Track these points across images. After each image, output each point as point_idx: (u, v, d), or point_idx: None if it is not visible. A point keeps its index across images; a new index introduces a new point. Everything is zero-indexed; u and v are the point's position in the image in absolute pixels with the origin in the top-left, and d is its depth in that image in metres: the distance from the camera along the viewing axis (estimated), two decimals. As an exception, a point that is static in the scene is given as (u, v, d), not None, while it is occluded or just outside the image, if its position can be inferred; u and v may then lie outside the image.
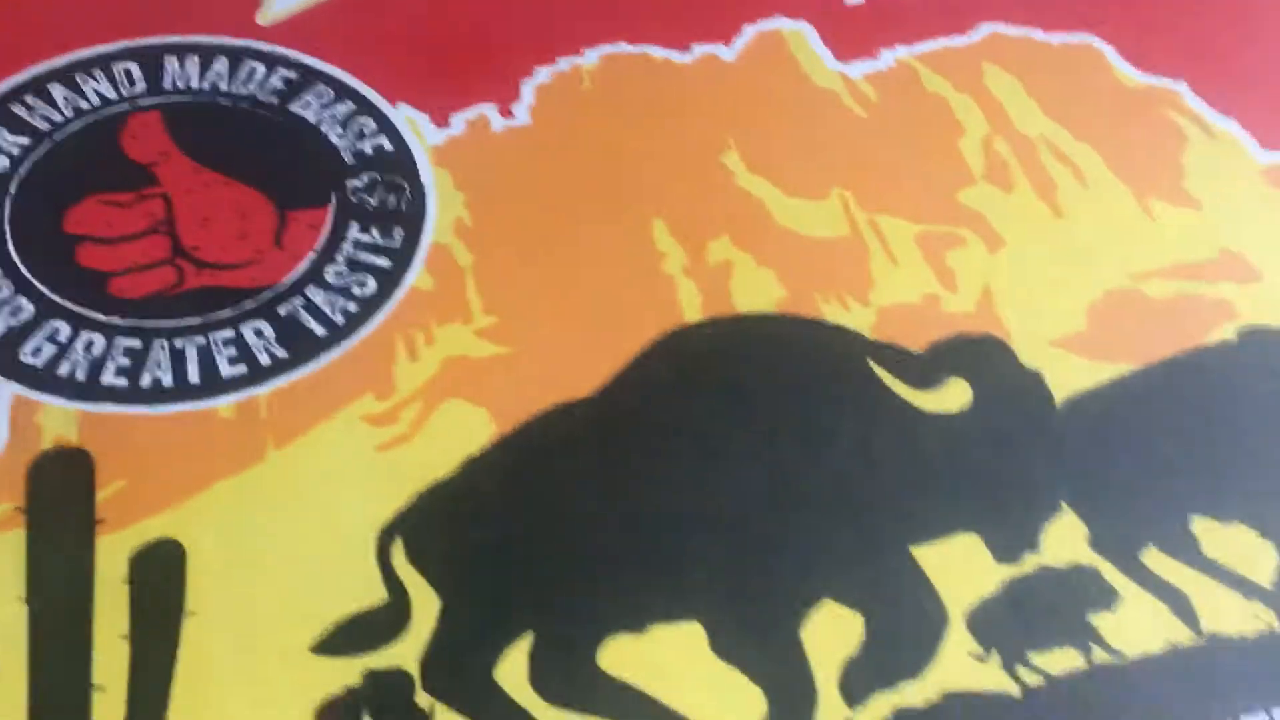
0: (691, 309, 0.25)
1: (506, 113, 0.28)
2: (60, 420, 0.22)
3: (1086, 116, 0.28)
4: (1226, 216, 0.27)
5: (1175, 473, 0.23)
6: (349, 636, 0.20)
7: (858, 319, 0.25)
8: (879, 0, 0.30)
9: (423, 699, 0.20)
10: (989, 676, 0.21)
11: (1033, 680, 0.21)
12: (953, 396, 0.24)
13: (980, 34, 0.30)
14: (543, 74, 0.29)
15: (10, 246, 0.24)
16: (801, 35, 0.30)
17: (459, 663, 0.20)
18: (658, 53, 0.29)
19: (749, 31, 0.30)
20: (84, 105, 0.27)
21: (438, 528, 0.21)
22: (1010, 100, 0.29)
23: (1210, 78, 0.29)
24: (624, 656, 0.20)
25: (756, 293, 0.25)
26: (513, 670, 0.20)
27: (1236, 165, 0.28)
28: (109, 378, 0.23)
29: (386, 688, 0.20)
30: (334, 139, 0.27)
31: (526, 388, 0.23)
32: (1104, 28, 0.30)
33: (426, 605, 0.21)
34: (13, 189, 0.25)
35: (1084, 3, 0.31)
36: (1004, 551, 0.22)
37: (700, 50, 0.29)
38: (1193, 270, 0.26)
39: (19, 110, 0.26)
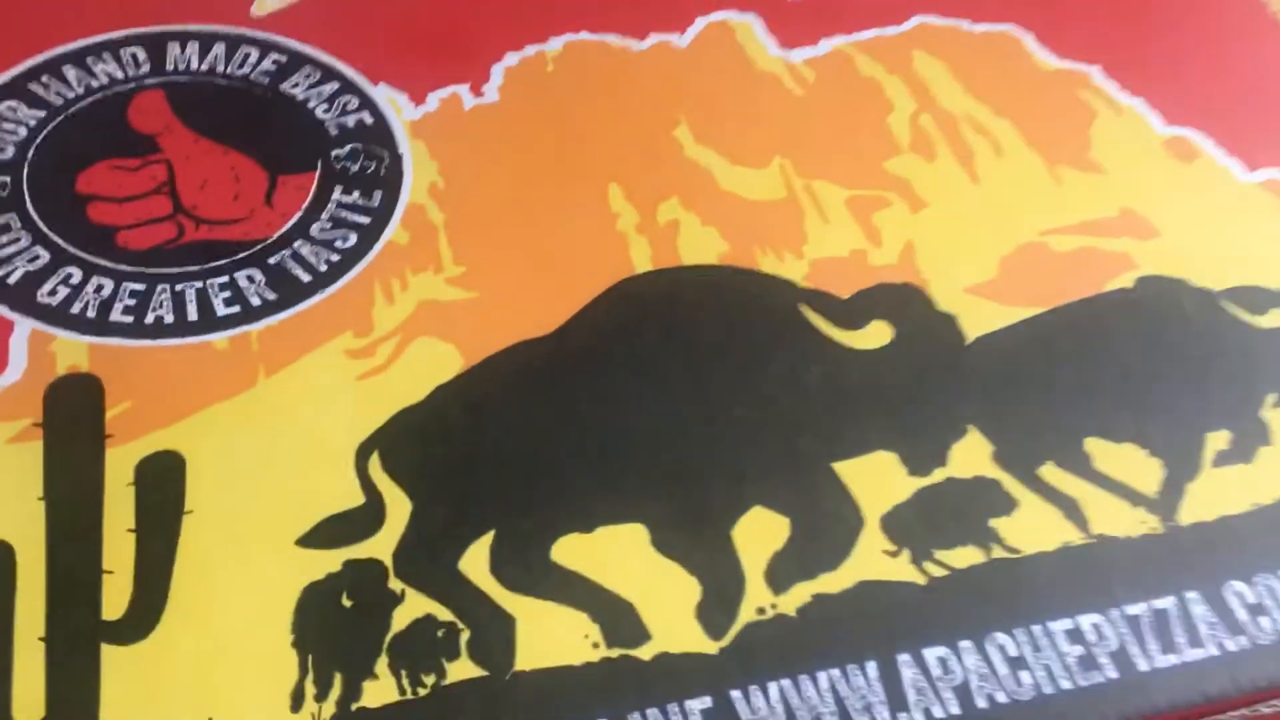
0: (642, 261, 0.27)
1: (477, 92, 0.31)
2: (73, 351, 0.25)
3: (1005, 96, 0.31)
4: (1128, 181, 0.30)
5: (1073, 400, 0.26)
6: (330, 532, 0.23)
7: (792, 270, 0.28)
8: (819, -6, 0.33)
9: (395, 584, 0.22)
10: (899, 569, 0.23)
11: (937, 572, 0.23)
12: (875, 335, 0.27)
13: (911, 24, 0.33)
14: (511, 58, 0.31)
15: (29, 204, 0.27)
16: (748, 26, 0.33)
17: (427, 554, 0.22)
18: (616, 40, 0.32)
19: (700, 22, 0.33)
20: (94, 84, 0.29)
21: (409, 443, 0.24)
22: (936, 82, 0.32)
23: (1120, 63, 0.32)
24: (575, 552, 0.23)
25: (701, 248, 0.28)
26: (475, 563, 0.23)
27: (1140, 137, 0.31)
28: (116, 315, 0.25)
29: (363, 574, 0.22)
30: (320, 114, 0.30)
31: (491, 327, 0.26)
32: (1024, 19, 0.33)
33: (398, 508, 0.23)
34: (30, 155, 0.28)
35: (1006, -3, 0.34)
36: (916, 465, 0.25)
37: (655, 38, 0.32)
38: (1096, 227, 0.29)
39: (36, 88, 0.29)
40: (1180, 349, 0.27)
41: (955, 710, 0.21)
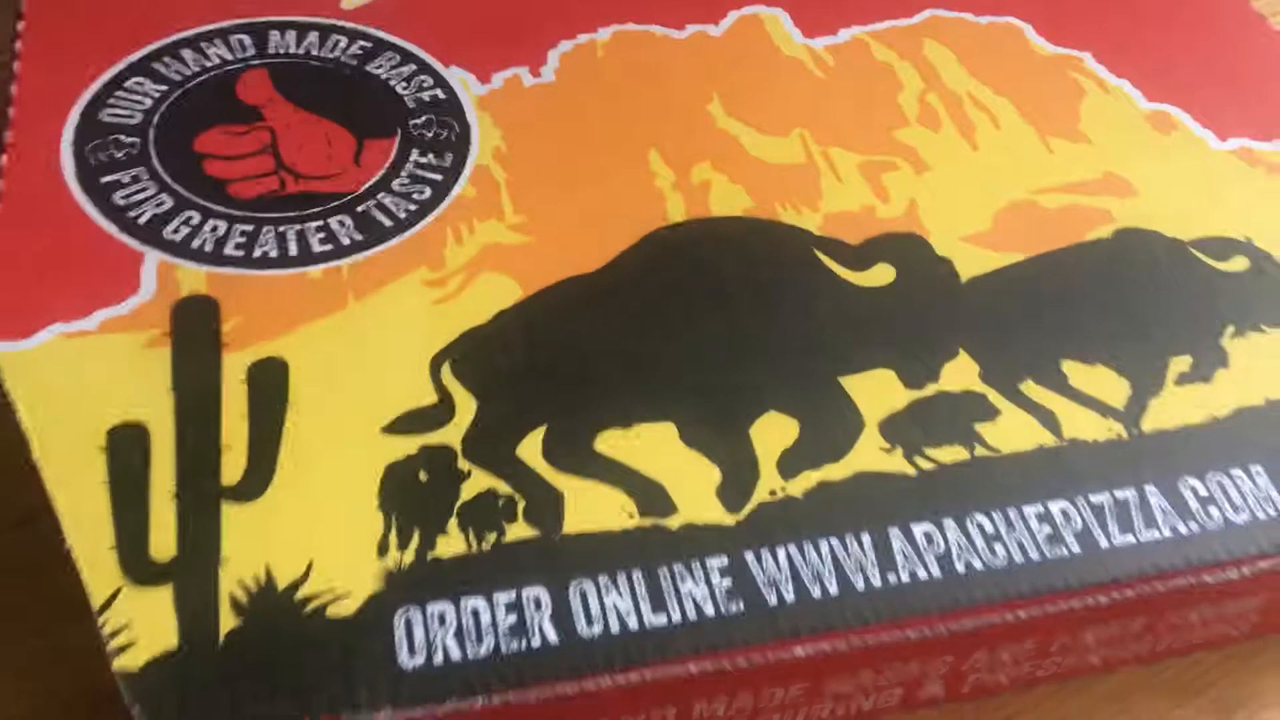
0: (677, 213, 0.31)
1: (536, 73, 0.35)
2: (193, 278, 0.29)
3: (1005, 77, 0.35)
4: (1112, 148, 0.33)
5: (1052, 329, 0.29)
6: (409, 423, 0.27)
7: (808, 221, 0.31)
8: (840, -10, 0.38)
9: (463, 465, 0.26)
10: (893, 462, 0.27)
11: (926, 465, 0.27)
12: (879, 275, 0.30)
13: (922, 16, 0.37)
14: (565, 45, 0.36)
15: (155, 160, 0.31)
16: (776, 18, 0.37)
17: (490, 441, 0.26)
18: (658, 30, 0.36)
19: (733, 15, 0.37)
20: (208, 64, 0.34)
21: (476, 354, 0.28)
22: (943, 66, 0.36)
23: (1109, 49, 0.36)
24: (614, 444, 0.27)
25: (729, 202, 0.32)
26: (530, 451, 0.27)
27: (1124, 112, 0.34)
28: (229, 250, 0.30)
29: (436, 456, 0.26)
30: (400, 91, 0.34)
31: (545, 265, 0.30)
32: (1024, 12, 0.37)
33: (466, 407, 0.27)
34: (155, 120, 0.32)
35: (1008, -9, 0.38)
36: (911, 380, 0.28)
37: (693, 29, 0.36)
38: (1081, 187, 0.32)
39: (159, 66, 0.34)
40: (1151, 288, 0.30)
41: (937, 573, 0.25)
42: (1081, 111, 0.34)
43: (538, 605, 0.24)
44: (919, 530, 0.26)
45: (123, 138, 0.32)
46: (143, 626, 0.23)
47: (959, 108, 0.34)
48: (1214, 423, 0.28)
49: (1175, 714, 0.29)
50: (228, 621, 0.23)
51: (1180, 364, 0.29)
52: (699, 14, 0.37)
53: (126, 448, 0.26)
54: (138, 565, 0.24)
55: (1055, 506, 0.26)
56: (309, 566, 0.24)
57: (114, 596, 0.23)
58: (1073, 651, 0.28)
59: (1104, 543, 0.26)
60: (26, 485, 0.25)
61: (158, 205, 0.30)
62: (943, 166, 0.33)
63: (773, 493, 0.26)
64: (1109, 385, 0.28)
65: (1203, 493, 0.27)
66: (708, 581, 0.25)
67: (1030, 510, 0.26)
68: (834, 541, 0.25)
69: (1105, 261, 0.31)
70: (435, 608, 0.24)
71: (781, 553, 0.25)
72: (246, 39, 0.35)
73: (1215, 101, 0.34)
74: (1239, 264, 0.31)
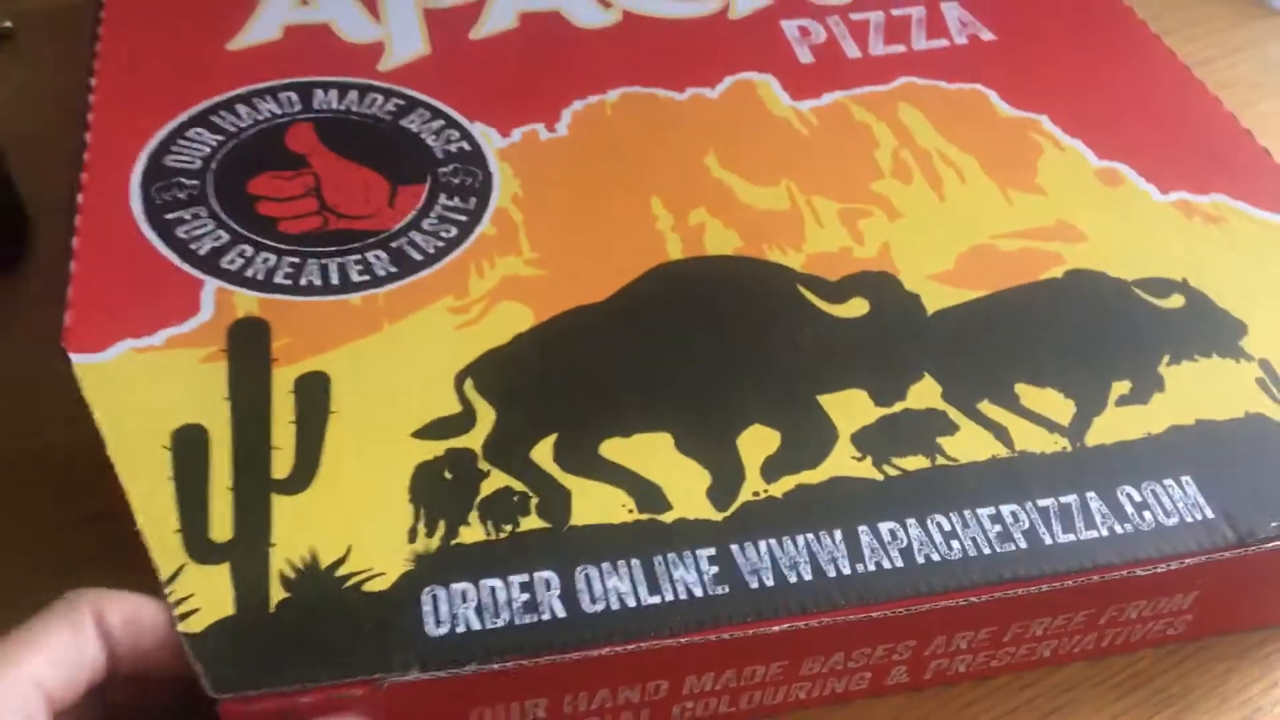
0: (675, 252, 0.35)
1: (551, 129, 0.39)
2: (247, 302, 0.33)
3: (970, 137, 0.39)
4: (1064, 200, 0.37)
5: (1008, 356, 0.33)
6: (436, 429, 0.30)
7: (792, 260, 0.35)
8: (824, 60, 0.42)
9: (483, 466, 0.30)
10: (862, 469, 0.30)
11: (892, 472, 0.30)
12: (855, 307, 0.34)
13: (898, 83, 0.41)
14: (578, 104, 0.40)
15: (213, 200, 0.35)
16: (767, 83, 0.41)
17: (507, 445, 0.30)
18: (661, 93, 0.40)
19: (728, 80, 0.41)
20: (260, 117, 0.38)
21: (495, 371, 0.32)
22: (915, 126, 0.40)
23: (1064, 113, 0.40)
24: (617, 450, 0.30)
25: (722, 243, 0.36)
26: (542, 454, 0.30)
27: (1077, 168, 0.38)
28: (278, 279, 0.33)
29: (459, 458, 0.30)
30: (430, 142, 0.38)
31: (557, 296, 0.34)
32: (989, 80, 0.41)
33: (486, 417, 0.31)
34: (213, 166, 0.37)
35: (976, 63, 0.42)
36: (881, 399, 0.32)
37: (692, 91, 0.41)
38: (1035, 233, 0.36)
39: (216, 119, 0.38)
40: (1096, 321, 0.34)
41: (900, 564, 0.28)
42: (1039, 167, 0.38)
43: (548, 586, 0.28)
44: (884, 527, 0.29)
45: (184, 180, 0.36)
46: (204, 597, 0.27)
47: (929, 163, 0.38)
48: (1149, 439, 0.31)
49: (1118, 705, 0.32)
50: (277, 593, 0.27)
51: (1121, 387, 0.32)
52: (697, 78, 0.41)
53: (188, 447, 0.29)
54: (199, 545, 0.27)
55: (1006, 509, 0.30)
56: (348, 549, 0.28)
57: (179, 571, 0.27)
58: (1024, 642, 0.31)
59: (1048, 539, 0.29)
60: (95, 488, 0.29)
61: (215, 239, 0.34)
62: (913, 214, 0.37)
63: (756, 494, 0.30)
64: (1056, 405, 0.32)
65: (1138, 499, 0.30)
66: (697, 568, 0.28)
67: (983, 512, 0.29)
68: (809, 536, 0.29)
69: (1056, 298, 0.35)
70: (458, 586, 0.27)
71: (763, 545, 0.28)
72: (294, 95, 0.39)
73: (1158, 159, 0.38)
74: (1176, 301, 0.34)
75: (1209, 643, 0.34)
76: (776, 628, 0.27)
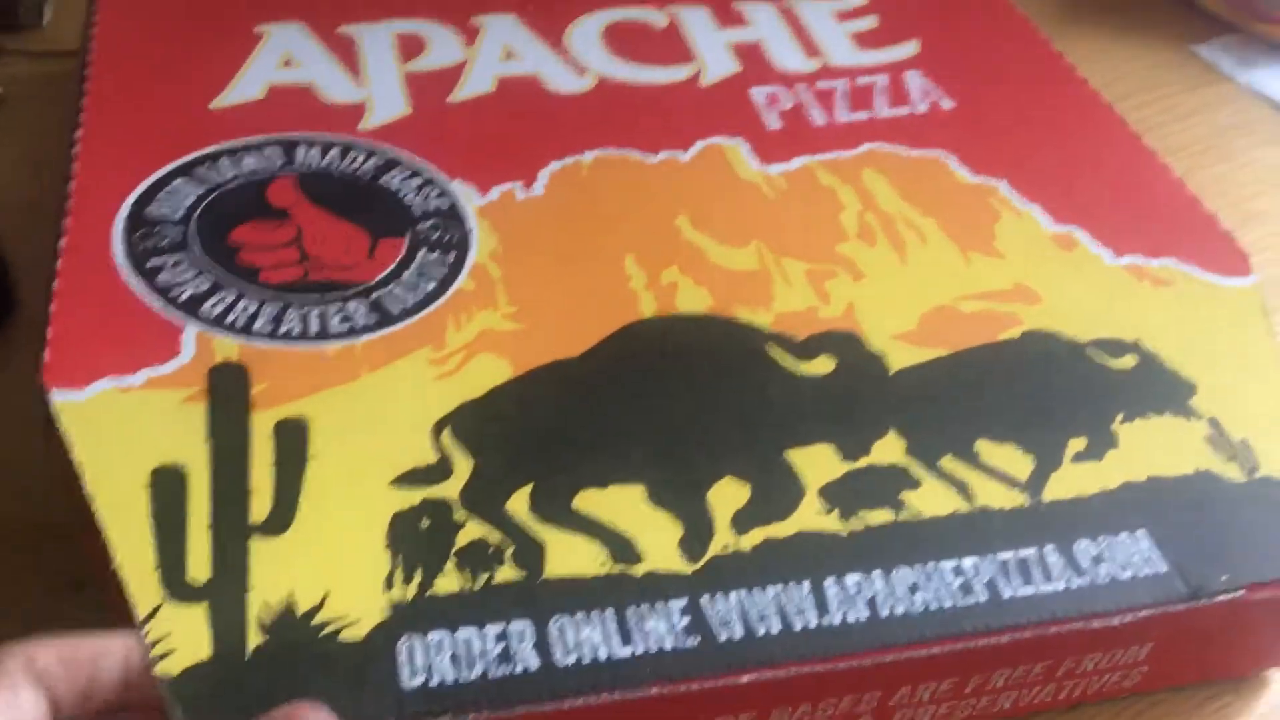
0: (649, 309, 0.36)
1: (528, 188, 0.40)
2: (227, 348, 0.33)
3: (931, 201, 0.41)
4: (1022, 263, 0.39)
5: (968, 413, 0.34)
6: (413, 477, 0.31)
7: (761, 319, 0.36)
8: (792, 126, 0.43)
9: (459, 516, 0.30)
10: (829, 523, 0.31)
11: (858, 526, 0.31)
12: (821, 365, 0.35)
13: (862, 149, 0.43)
14: (554, 165, 0.41)
15: (196, 248, 0.36)
16: (736, 148, 0.42)
17: (483, 495, 0.31)
18: (635, 155, 0.42)
19: (699, 144, 0.42)
20: (242, 171, 0.39)
21: (472, 421, 0.32)
22: (879, 191, 0.41)
23: (1021, 180, 0.41)
24: (592, 501, 0.31)
25: (694, 301, 0.37)
26: (518, 504, 0.31)
27: (1033, 232, 0.40)
28: (259, 326, 0.34)
29: (436, 508, 0.30)
30: (409, 199, 0.39)
31: (534, 350, 0.35)
32: (950, 146, 0.43)
33: (463, 466, 0.31)
34: (195, 215, 0.37)
35: (937, 131, 0.43)
36: (847, 454, 0.33)
37: (664, 154, 0.42)
38: (994, 295, 0.38)
39: (200, 171, 0.39)
40: (1053, 381, 0.35)
41: (865, 615, 0.29)
42: (996, 232, 0.40)
43: (521, 637, 0.28)
44: (850, 580, 0.30)
45: (166, 228, 0.37)
46: (181, 638, 0.27)
47: (892, 226, 0.40)
48: (1104, 493, 0.32)
49: (1075, 758, 0.33)
50: (255, 639, 0.27)
51: (1077, 444, 0.34)
52: (670, 142, 0.42)
53: (168, 486, 0.30)
54: (177, 585, 0.28)
55: (967, 561, 0.30)
56: (325, 596, 0.28)
57: (156, 610, 0.27)
58: (985, 693, 0.32)
59: (1008, 592, 0.30)
60: (80, 554, 0.29)
61: (196, 286, 0.35)
62: (877, 275, 0.38)
63: (726, 546, 0.30)
64: (1015, 461, 0.33)
65: (1094, 553, 0.31)
66: (669, 620, 0.29)
67: (946, 564, 0.30)
68: (778, 588, 0.29)
69: (1014, 358, 0.36)
70: (434, 636, 0.28)
71: (733, 596, 0.29)
72: (277, 152, 0.40)
73: (1112, 225, 0.40)
74: (1129, 361, 0.36)
75: (1162, 697, 0.35)
76: (745, 679, 0.28)
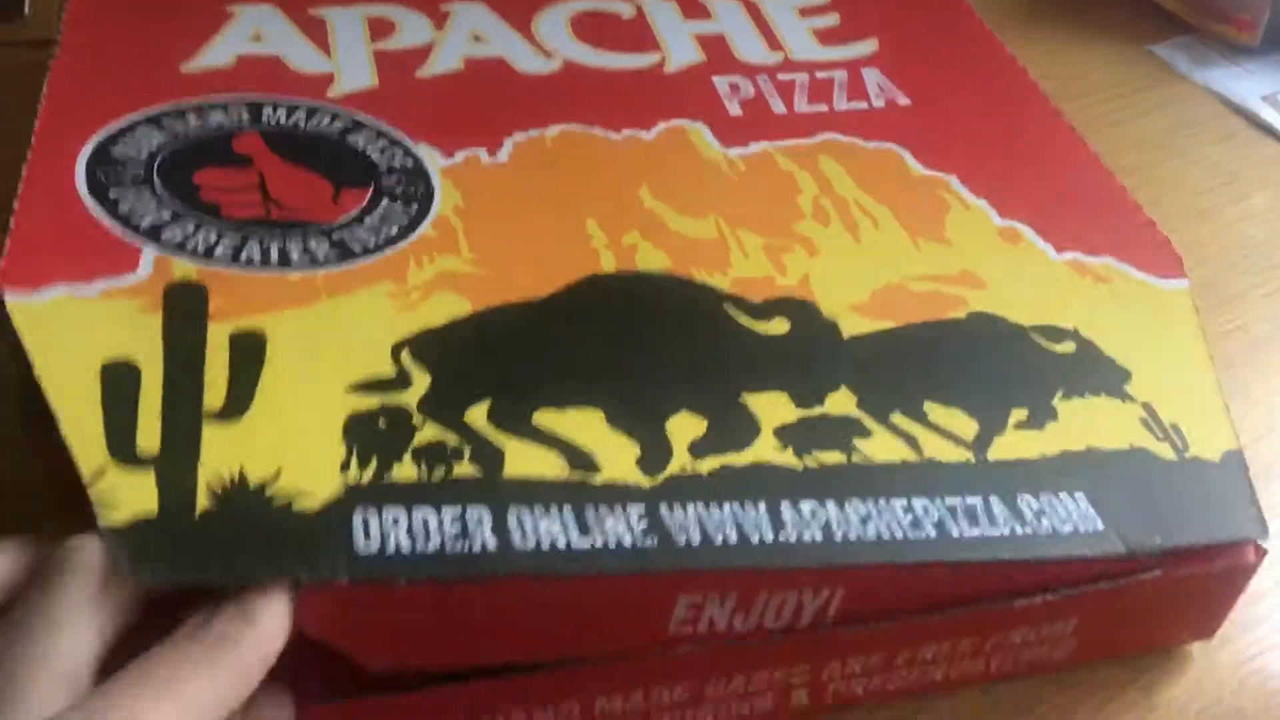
0: (609, 266, 0.37)
1: (492, 154, 0.41)
2: (185, 269, 0.33)
3: (885, 191, 0.42)
4: (969, 252, 0.40)
5: (917, 377, 0.35)
6: (371, 385, 0.31)
7: (719, 282, 0.37)
8: (752, 112, 0.44)
9: (417, 420, 0.30)
10: (784, 458, 0.32)
11: (811, 463, 0.32)
12: (776, 326, 0.36)
13: (820, 138, 0.44)
14: (519, 135, 0.42)
15: (157, 183, 0.36)
16: (699, 130, 0.43)
17: (441, 404, 0.31)
18: (599, 132, 0.42)
19: (662, 124, 0.43)
20: (208, 125, 0.39)
21: (433, 344, 0.32)
22: (835, 178, 0.42)
23: (971, 175, 0.43)
24: (550, 419, 0.31)
25: (653, 262, 0.37)
26: (476, 416, 0.31)
27: (981, 225, 0.41)
28: (219, 253, 0.34)
29: (394, 411, 0.30)
30: (375, 158, 0.39)
31: (495, 293, 0.35)
32: (904, 140, 0.44)
33: (421, 382, 0.31)
34: (159, 158, 0.37)
35: (893, 126, 0.45)
36: (801, 401, 0.33)
37: (628, 133, 0.43)
38: (942, 279, 0.39)
39: (166, 122, 0.39)
40: (997, 358, 0.36)
41: (819, 538, 0.29)
42: (946, 222, 0.41)
43: (479, 521, 0.28)
44: (805, 506, 0.30)
45: (130, 165, 0.36)
46: (126, 494, 0.26)
47: (846, 210, 0.41)
48: (1045, 459, 0.33)
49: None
50: (204, 502, 0.27)
51: (1019, 414, 0.34)
52: (633, 121, 0.43)
53: (119, 378, 0.29)
54: (124, 451, 0.27)
55: (917, 502, 0.31)
56: (278, 470, 0.28)
57: (102, 471, 0.27)
58: (915, 665, 0.32)
59: (955, 531, 0.30)
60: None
61: (158, 216, 0.35)
62: (831, 253, 0.39)
63: (683, 468, 0.31)
64: (961, 423, 0.34)
65: (1035, 506, 0.32)
66: (628, 521, 0.29)
67: (897, 503, 0.31)
68: (734, 505, 0.30)
69: (960, 335, 0.37)
70: (391, 513, 0.28)
71: (690, 510, 0.29)
72: (244, 112, 0.40)
73: (1054, 222, 0.41)
74: (1068, 347, 0.37)
75: (1094, 668, 0.35)
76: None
